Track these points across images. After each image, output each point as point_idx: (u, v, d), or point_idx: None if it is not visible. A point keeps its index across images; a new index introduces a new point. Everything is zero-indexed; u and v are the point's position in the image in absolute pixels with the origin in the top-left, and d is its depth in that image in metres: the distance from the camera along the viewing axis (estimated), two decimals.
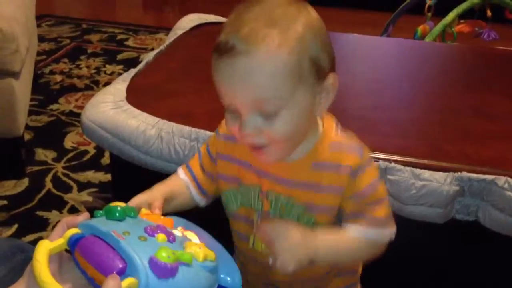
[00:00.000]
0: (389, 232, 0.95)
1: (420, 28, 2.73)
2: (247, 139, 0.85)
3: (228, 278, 0.82)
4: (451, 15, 2.57)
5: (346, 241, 0.93)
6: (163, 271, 0.71)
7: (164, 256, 0.71)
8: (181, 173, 1.03)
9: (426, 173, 1.25)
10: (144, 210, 0.86)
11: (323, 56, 0.83)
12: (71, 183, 2.04)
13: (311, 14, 0.84)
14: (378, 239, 0.94)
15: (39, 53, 2.93)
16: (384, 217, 0.93)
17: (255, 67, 0.79)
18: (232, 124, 0.85)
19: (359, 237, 0.93)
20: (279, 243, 0.86)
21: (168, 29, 2.13)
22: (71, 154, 2.21)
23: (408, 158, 1.29)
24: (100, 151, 2.19)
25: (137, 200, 0.90)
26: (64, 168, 2.13)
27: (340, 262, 0.99)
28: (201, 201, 1.02)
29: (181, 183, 1.02)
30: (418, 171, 1.26)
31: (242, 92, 0.81)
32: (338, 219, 0.94)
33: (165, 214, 0.90)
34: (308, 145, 0.90)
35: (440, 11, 2.69)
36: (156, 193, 0.94)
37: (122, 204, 0.82)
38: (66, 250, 0.79)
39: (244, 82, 0.80)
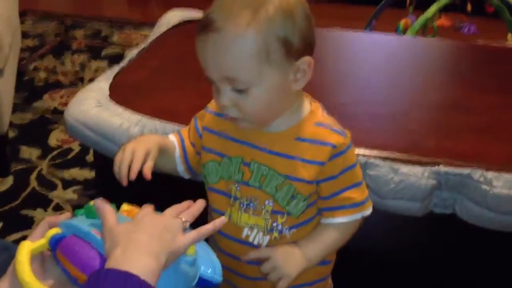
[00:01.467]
0: (367, 212, 1.01)
1: (402, 22, 2.75)
2: (222, 110, 0.91)
3: (209, 270, 0.85)
4: (432, 9, 2.59)
5: (330, 237, 1.00)
6: None
7: None
8: (171, 136, 1.06)
9: (404, 168, 1.28)
10: (124, 207, 0.87)
11: (295, 38, 0.85)
12: (56, 181, 2.05)
13: None
14: (358, 220, 1.00)
15: (22, 50, 2.91)
16: (362, 200, 0.99)
17: (224, 46, 0.83)
18: (215, 96, 0.91)
19: (342, 227, 1.00)
20: (275, 273, 0.96)
21: (153, 24, 2.13)
22: (55, 152, 2.22)
23: (387, 153, 1.32)
24: (85, 148, 2.19)
25: (139, 153, 0.92)
26: (48, 166, 2.13)
27: (329, 254, 1.04)
28: (180, 165, 1.05)
29: (171, 144, 1.04)
30: (396, 165, 1.28)
31: (213, 68, 0.86)
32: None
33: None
34: (294, 119, 0.94)
35: (422, 5, 2.70)
36: (152, 140, 0.97)
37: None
38: (49, 250, 0.81)
39: (214, 59, 0.85)
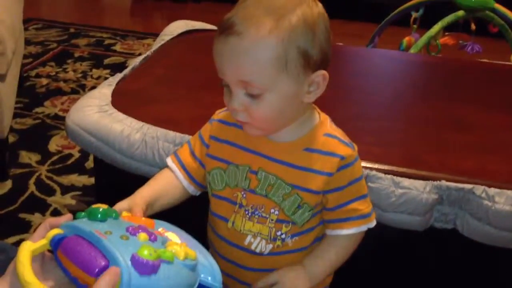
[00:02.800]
0: (373, 224, 1.01)
1: (406, 40, 2.76)
2: (232, 113, 0.91)
3: (209, 277, 0.84)
4: (436, 27, 2.60)
5: (337, 251, 1.01)
6: (145, 268, 0.72)
7: (146, 253, 0.73)
8: (169, 161, 1.06)
9: (406, 181, 1.27)
10: (125, 213, 0.87)
11: (314, 51, 0.87)
12: (55, 186, 2.04)
13: (313, 9, 0.88)
14: (363, 232, 1.01)
15: (25, 56, 2.92)
16: (369, 212, 1.00)
17: (243, 50, 0.84)
18: (226, 99, 0.91)
19: (348, 239, 1.00)
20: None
21: (156, 35, 2.14)
22: (55, 157, 2.21)
23: (389, 167, 1.31)
24: (84, 154, 2.19)
25: (119, 206, 0.92)
26: (48, 171, 2.12)
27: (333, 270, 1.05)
28: (189, 187, 1.04)
29: (168, 176, 1.04)
30: (398, 179, 1.28)
31: (230, 71, 0.87)
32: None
33: (149, 216, 0.92)
34: (303, 130, 0.95)
35: (425, 24, 2.71)
36: (137, 199, 0.95)
37: (104, 206, 0.84)
38: (49, 251, 0.80)
39: (232, 62, 0.85)
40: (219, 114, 1.03)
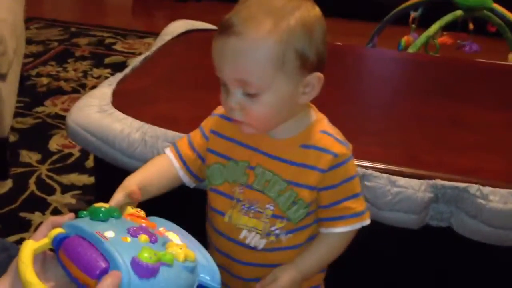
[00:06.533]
0: (367, 222, 1.02)
1: (404, 39, 2.77)
2: (229, 111, 0.93)
3: (208, 277, 0.85)
4: (434, 27, 2.61)
5: (328, 249, 1.02)
6: (145, 271, 0.73)
7: (146, 256, 0.74)
8: (167, 150, 1.07)
9: (402, 180, 1.29)
10: (128, 210, 0.88)
11: (311, 53, 0.89)
12: (55, 185, 2.05)
13: (310, 12, 0.90)
14: (355, 230, 1.02)
15: (26, 56, 2.93)
16: (362, 210, 1.01)
17: (242, 50, 0.86)
18: (223, 97, 0.93)
19: (341, 237, 1.02)
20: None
21: (156, 34, 2.15)
22: (55, 157, 2.22)
23: (385, 165, 1.33)
24: (84, 154, 2.20)
25: (115, 199, 0.93)
26: (48, 170, 2.14)
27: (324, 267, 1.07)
28: (184, 176, 1.06)
29: (164, 163, 1.06)
30: (394, 178, 1.29)
31: (228, 70, 0.88)
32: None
33: (149, 212, 0.93)
34: (300, 127, 0.97)
35: (424, 23, 2.72)
36: (129, 184, 0.98)
37: (106, 205, 0.85)
38: (51, 249, 0.81)
39: (230, 62, 0.88)
40: (221, 109, 1.05)
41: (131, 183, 0.98)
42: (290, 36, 0.87)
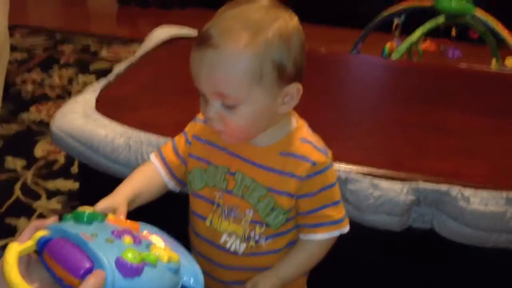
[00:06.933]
0: (345, 230, 1.03)
1: (388, 46, 2.80)
2: (208, 121, 0.94)
3: (191, 279, 0.86)
4: (417, 33, 2.64)
5: (307, 256, 1.04)
6: (129, 271, 0.74)
7: (130, 256, 0.75)
8: (152, 157, 1.08)
9: (384, 183, 1.30)
10: (110, 216, 0.89)
11: (288, 64, 0.89)
12: (40, 191, 2.05)
13: (288, 23, 0.90)
14: (335, 237, 1.03)
15: (11, 62, 2.92)
16: (340, 217, 1.02)
17: (219, 63, 0.86)
18: (202, 106, 0.94)
19: (320, 244, 1.03)
20: None
21: (141, 41, 2.15)
22: (41, 163, 2.22)
23: (368, 169, 1.35)
24: (69, 159, 2.19)
25: (102, 205, 0.93)
26: (33, 176, 2.13)
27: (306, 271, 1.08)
28: (169, 182, 1.07)
29: (150, 171, 1.06)
30: (376, 181, 1.31)
31: (206, 82, 0.89)
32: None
33: (132, 217, 0.93)
34: (280, 134, 0.97)
35: (407, 30, 2.75)
36: (119, 197, 0.97)
37: (91, 209, 0.86)
38: (35, 251, 0.82)
39: (208, 74, 0.88)
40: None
41: (121, 199, 0.96)
42: (268, 49, 0.87)
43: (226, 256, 1.02)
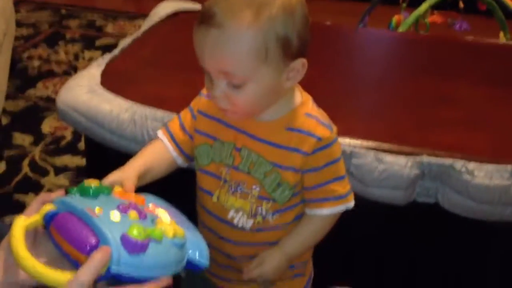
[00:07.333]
0: (350, 205, 1.04)
1: (395, 19, 2.76)
2: (214, 100, 0.93)
3: (197, 254, 0.87)
4: (424, 5, 2.60)
5: (313, 231, 1.04)
6: (134, 247, 0.75)
7: (136, 233, 0.76)
8: (160, 133, 1.08)
9: (388, 157, 1.30)
10: (117, 188, 0.89)
11: (293, 39, 0.88)
12: (48, 167, 2.07)
13: None
14: (340, 212, 1.04)
15: (17, 38, 2.92)
16: (345, 193, 1.02)
17: (224, 42, 0.85)
18: (207, 85, 0.93)
19: (326, 218, 1.03)
20: (262, 273, 1.02)
21: (147, 16, 2.15)
22: (48, 139, 2.23)
23: (372, 143, 1.35)
24: (77, 136, 2.21)
25: (111, 178, 0.93)
26: (41, 152, 2.15)
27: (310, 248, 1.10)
28: (178, 158, 1.07)
29: (159, 147, 1.06)
30: (380, 155, 1.31)
31: (211, 62, 0.88)
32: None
33: (139, 189, 0.94)
34: (285, 109, 0.97)
35: (415, 2, 2.72)
36: (129, 171, 0.97)
37: (96, 182, 0.86)
38: (42, 225, 0.83)
39: (213, 54, 0.87)
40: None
41: (130, 173, 0.96)
42: (272, 25, 0.86)
43: (234, 232, 1.03)
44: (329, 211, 1.02)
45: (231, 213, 1.02)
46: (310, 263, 1.16)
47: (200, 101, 1.05)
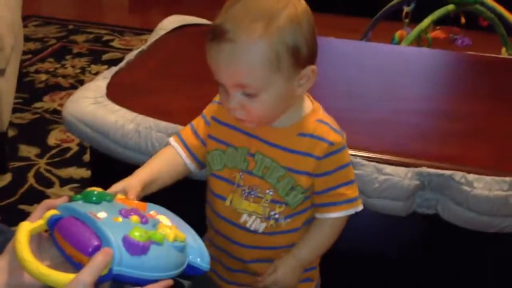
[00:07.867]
0: (359, 208, 1.07)
1: (398, 34, 2.80)
2: (230, 111, 0.97)
3: (198, 258, 0.89)
4: (426, 21, 2.64)
5: (324, 236, 1.07)
6: (136, 249, 0.77)
7: (137, 235, 0.77)
8: (172, 140, 1.10)
9: (389, 168, 1.32)
10: (119, 196, 0.91)
11: (302, 47, 0.93)
12: (53, 178, 2.09)
13: (297, 8, 0.93)
14: (348, 216, 1.07)
15: (25, 53, 2.96)
16: (355, 196, 1.06)
17: (237, 56, 0.90)
18: (222, 97, 0.97)
19: (335, 222, 1.07)
20: (277, 280, 1.05)
21: (153, 31, 2.18)
22: (54, 151, 2.26)
23: (372, 154, 1.36)
24: (82, 148, 2.23)
25: (115, 188, 0.96)
26: (46, 164, 2.17)
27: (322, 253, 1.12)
28: (191, 165, 1.09)
29: (170, 154, 1.08)
30: (381, 166, 1.32)
31: (225, 75, 0.92)
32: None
33: (144, 199, 0.96)
34: (297, 116, 1.01)
35: (417, 18, 2.75)
36: (133, 180, 0.99)
37: (99, 189, 0.88)
38: (45, 231, 0.84)
39: (227, 67, 0.91)
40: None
41: (135, 182, 0.98)
42: (281, 36, 0.90)
43: (246, 235, 1.06)
44: (339, 215, 1.05)
45: (243, 217, 1.05)
46: (317, 269, 1.17)
47: (214, 108, 1.08)
